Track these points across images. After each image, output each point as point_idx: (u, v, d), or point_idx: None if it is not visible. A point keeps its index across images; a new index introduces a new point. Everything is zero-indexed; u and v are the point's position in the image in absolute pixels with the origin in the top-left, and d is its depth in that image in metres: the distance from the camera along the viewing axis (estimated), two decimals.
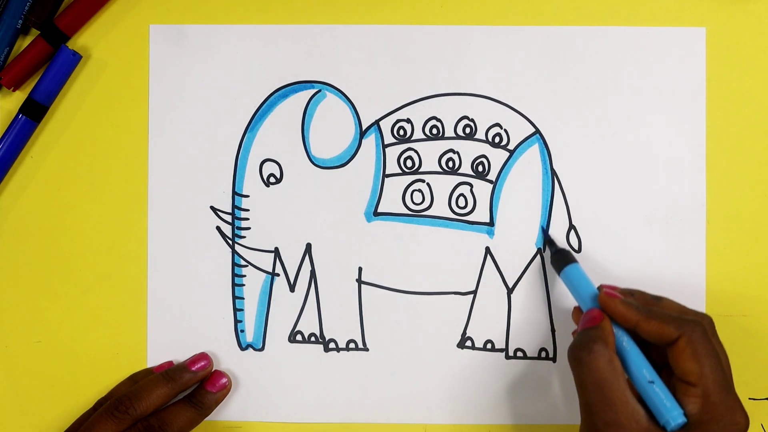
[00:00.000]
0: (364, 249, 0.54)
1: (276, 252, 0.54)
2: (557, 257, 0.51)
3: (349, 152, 0.54)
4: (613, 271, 0.53)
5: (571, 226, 0.53)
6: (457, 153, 0.54)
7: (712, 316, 0.46)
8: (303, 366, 0.54)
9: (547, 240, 0.53)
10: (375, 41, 0.54)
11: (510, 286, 0.54)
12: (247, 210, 0.54)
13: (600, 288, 0.48)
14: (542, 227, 0.53)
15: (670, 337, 0.44)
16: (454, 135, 0.54)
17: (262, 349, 0.54)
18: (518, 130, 0.54)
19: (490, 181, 0.54)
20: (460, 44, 0.54)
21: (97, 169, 0.54)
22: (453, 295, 0.54)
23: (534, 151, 0.54)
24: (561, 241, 0.53)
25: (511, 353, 0.54)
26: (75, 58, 0.53)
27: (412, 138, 0.54)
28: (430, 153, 0.54)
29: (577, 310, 0.50)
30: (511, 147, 0.54)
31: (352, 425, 0.54)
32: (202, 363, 0.53)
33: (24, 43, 0.54)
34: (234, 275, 0.54)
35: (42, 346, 0.54)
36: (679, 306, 0.48)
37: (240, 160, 0.54)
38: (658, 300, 0.48)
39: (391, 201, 0.54)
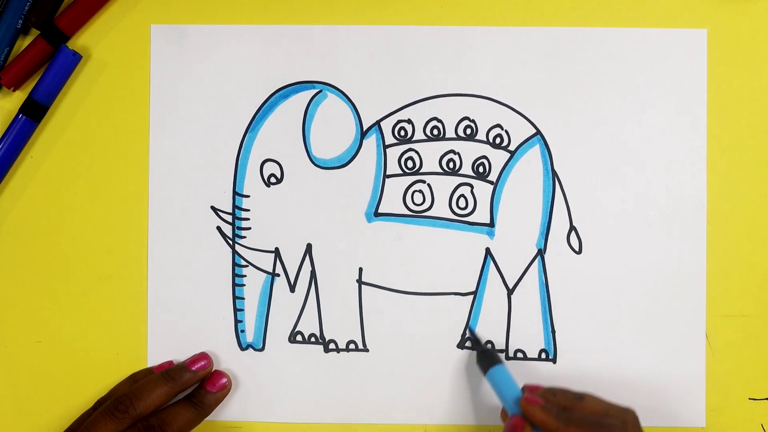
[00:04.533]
0: (365, 249, 0.54)
1: (276, 252, 0.54)
2: (482, 357, 0.51)
3: (350, 153, 0.54)
4: (614, 271, 0.53)
5: (572, 227, 0.53)
6: (458, 154, 0.54)
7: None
8: (303, 366, 0.54)
9: (472, 339, 0.53)
10: (376, 42, 0.54)
11: (510, 286, 0.54)
12: (248, 210, 0.54)
13: (523, 389, 0.48)
14: (471, 328, 0.53)
15: None
16: (454, 136, 0.54)
17: (262, 349, 0.54)
18: (519, 131, 0.54)
19: (491, 182, 0.54)
20: (460, 45, 0.54)
21: (97, 169, 0.54)
22: (453, 296, 0.54)
23: (535, 152, 0.53)
24: (485, 342, 0.53)
25: (511, 354, 0.54)
26: (75, 58, 0.53)
27: (413, 138, 0.54)
28: (430, 154, 0.54)
29: (504, 412, 0.50)
30: (511, 148, 0.54)
31: (352, 426, 0.54)
32: (202, 363, 0.53)
33: (24, 43, 0.54)
34: (234, 275, 0.54)
35: (42, 346, 0.54)
36: (603, 404, 0.47)
37: (241, 160, 0.54)
38: (580, 399, 0.48)
39: (392, 201, 0.54)
